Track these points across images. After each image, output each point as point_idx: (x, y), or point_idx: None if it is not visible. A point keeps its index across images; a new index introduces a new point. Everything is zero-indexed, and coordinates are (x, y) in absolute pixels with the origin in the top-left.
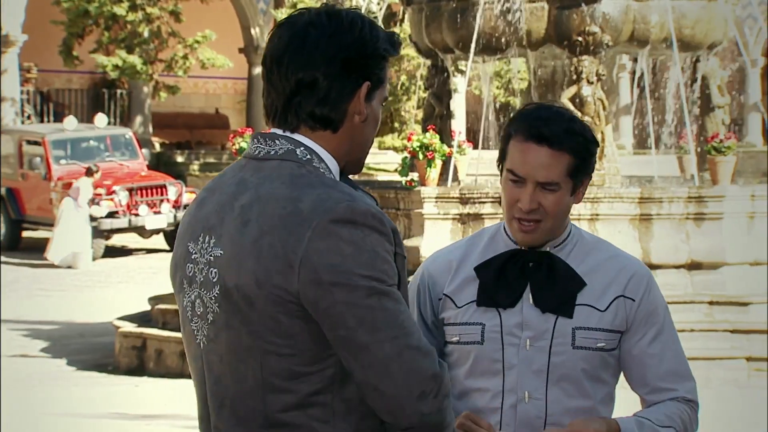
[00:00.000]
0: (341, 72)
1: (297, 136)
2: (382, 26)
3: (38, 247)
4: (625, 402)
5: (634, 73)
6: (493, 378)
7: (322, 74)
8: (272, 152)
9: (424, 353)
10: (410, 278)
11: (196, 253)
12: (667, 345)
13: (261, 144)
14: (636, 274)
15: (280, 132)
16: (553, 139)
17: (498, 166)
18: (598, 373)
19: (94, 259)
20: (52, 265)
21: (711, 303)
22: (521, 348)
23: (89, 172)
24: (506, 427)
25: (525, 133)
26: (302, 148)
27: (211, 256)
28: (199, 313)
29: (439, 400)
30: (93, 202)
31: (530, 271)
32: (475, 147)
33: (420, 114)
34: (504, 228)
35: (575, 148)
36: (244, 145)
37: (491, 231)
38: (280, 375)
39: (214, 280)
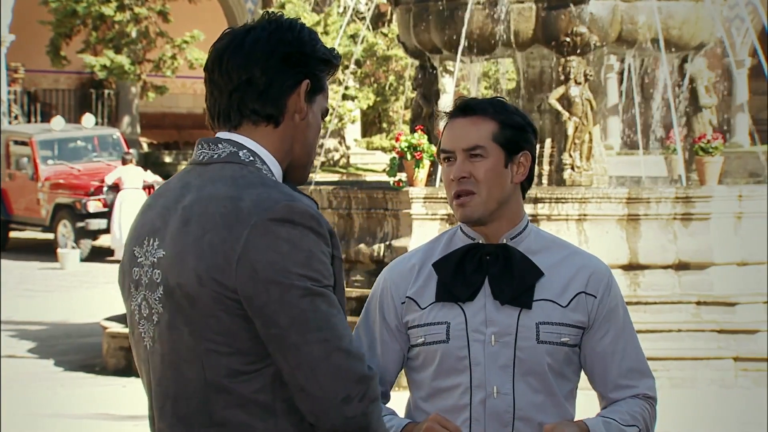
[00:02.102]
0: (280, 67)
1: (239, 138)
2: (371, 26)
3: (25, 248)
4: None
5: (621, 73)
6: (460, 375)
7: (261, 69)
8: (215, 156)
9: (353, 356)
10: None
11: (141, 257)
12: (629, 342)
13: (205, 149)
14: (596, 272)
15: (223, 135)
16: (476, 107)
17: (440, 164)
18: (562, 368)
19: (81, 259)
20: (41, 264)
21: (698, 303)
22: (487, 344)
23: (125, 161)
24: (476, 423)
25: (452, 114)
26: (245, 151)
27: (154, 258)
28: (145, 315)
29: (365, 404)
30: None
31: (488, 264)
32: None
33: (408, 114)
34: (461, 228)
35: (499, 115)
36: None
37: (450, 233)
38: (222, 374)
39: (158, 281)
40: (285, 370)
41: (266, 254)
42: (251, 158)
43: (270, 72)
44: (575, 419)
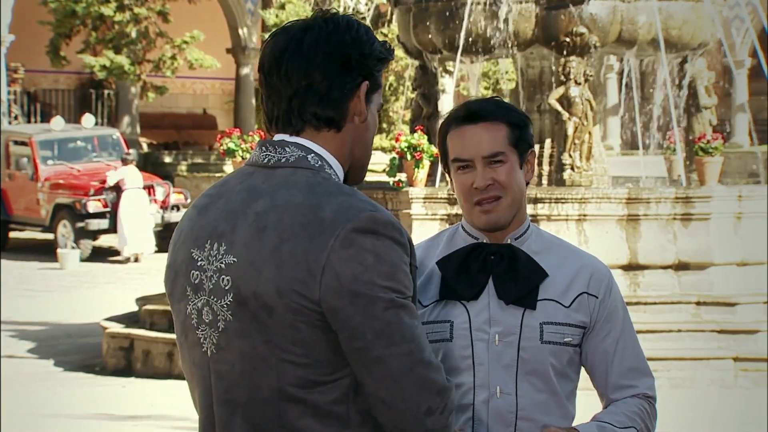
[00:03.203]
0: (341, 70)
1: (305, 142)
2: (371, 27)
3: (25, 248)
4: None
5: (621, 73)
6: (463, 374)
7: (322, 73)
8: (283, 159)
9: (434, 368)
10: None
11: (202, 260)
12: (629, 342)
13: (270, 151)
14: (597, 272)
15: (288, 138)
16: (486, 113)
17: (444, 168)
18: (565, 368)
19: (81, 260)
20: (41, 264)
21: (698, 303)
22: (490, 343)
23: (125, 161)
24: (479, 423)
25: (458, 121)
26: (313, 155)
27: (221, 263)
28: (207, 321)
29: (445, 416)
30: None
31: (492, 264)
32: None
33: (408, 114)
34: (462, 227)
35: (509, 118)
36: (231, 145)
37: (450, 231)
38: (297, 384)
39: (227, 287)
40: (367, 383)
41: (351, 266)
42: (319, 163)
43: (330, 76)
44: (574, 420)
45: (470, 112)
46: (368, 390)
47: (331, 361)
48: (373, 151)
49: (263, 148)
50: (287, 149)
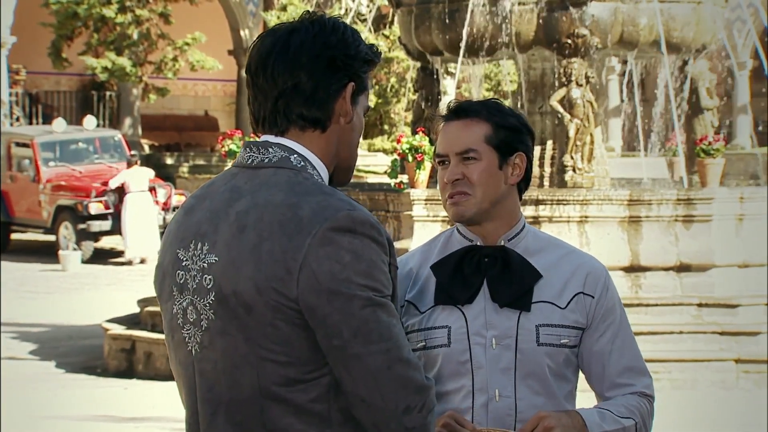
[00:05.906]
0: (326, 71)
1: (289, 142)
2: (372, 28)
3: (27, 250)
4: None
5: (623, 75)
6: (461, 379)
7: (308, 74)
8: (266, 160)
9: (413, 367)
10: None
11: (187, 260)
12: (626, 341)
13: (253, 152)
14: (593, 271)
15: (271, 139)
16: (467, 109)
17: (436, 166)
18: (562, 370)
19: (83, 261)
20: (43, 265)
21: (700, 305)
22: (488, 347)
23: (129, 163)
24: (478, 426)
25: (444, 117)
26: (296, 155)
27: (204, 263)
28: (191, 320)
29: (424, 414)
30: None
31: (486, 266)
32: None
33: (409, 116)
34: (458, 229)
35: (493, 117)
36: (233, 147)
37: (446, 234)
38: (277, 382)
39: (209, 286)
40: (346, 380)
41: (328, 264)
42: (302, 163)
43: (316, 77)
44: None
45: (455, 108)
46: (347, 388)
47: (311, 359)
48: (374, 153)
49: (248, 149)
50: (270, 150)
